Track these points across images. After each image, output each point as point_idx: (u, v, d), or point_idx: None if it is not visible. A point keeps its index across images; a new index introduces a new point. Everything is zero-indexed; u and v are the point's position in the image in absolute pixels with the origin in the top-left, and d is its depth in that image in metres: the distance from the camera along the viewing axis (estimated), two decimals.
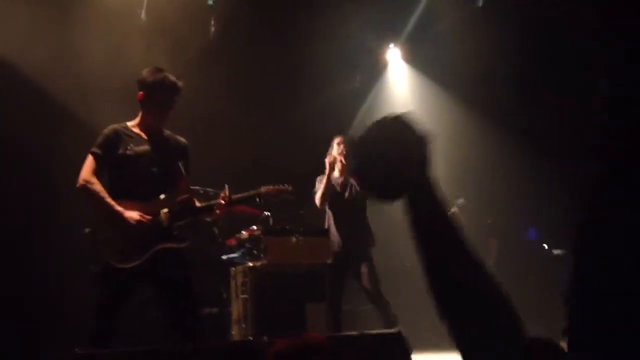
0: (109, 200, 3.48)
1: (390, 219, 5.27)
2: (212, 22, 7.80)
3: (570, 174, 7.47)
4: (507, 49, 7.36)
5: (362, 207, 5.34)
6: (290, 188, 4.17)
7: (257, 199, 4.03)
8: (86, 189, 3.50)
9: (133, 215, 3.49)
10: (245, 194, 3.98)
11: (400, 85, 8.96)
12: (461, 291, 1.02)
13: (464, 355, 1.01)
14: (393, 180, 1.03)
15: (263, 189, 4.00)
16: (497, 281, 1.02)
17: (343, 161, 5.32)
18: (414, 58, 8.71)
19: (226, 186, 3.82)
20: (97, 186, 3.50)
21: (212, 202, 3.83)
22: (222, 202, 3.74)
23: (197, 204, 3.84)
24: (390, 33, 8.57)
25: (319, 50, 7.58)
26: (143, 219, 3.50)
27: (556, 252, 7.87)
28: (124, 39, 6.47)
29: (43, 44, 5.97)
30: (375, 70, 8.98)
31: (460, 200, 7.91)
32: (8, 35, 5.95)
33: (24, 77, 6.05)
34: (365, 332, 3.55)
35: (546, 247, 8.07)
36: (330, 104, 8.01)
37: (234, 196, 3.82)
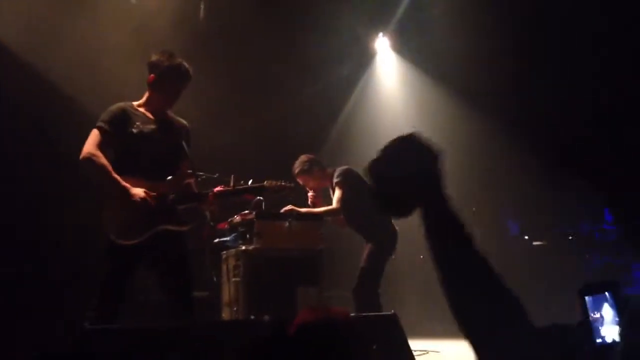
0: (115, 175, 3.49)
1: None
2: (202, 6, 7.77)
3: (556, 169, 7.67)
4: (499, 37, 7.44)
5: None
6: (292, 185, 4.25)
7: (259, 192, 4.10)
8: (91, 161, 3.49)
9: (139, 192, 3.50)
10: (249, 186, 4.04)
11: (389, 74, 9.02)
12: (473, 297, 1.08)
13: (475, 347, 1.08)
14: (408, 196, 1.09)
15: (267, 183, 4.06)
16: (507, 289, 1.07)
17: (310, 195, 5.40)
18: (403, 47, 8.77)
19: (232, 176, 3.88)
20: (102, 160, 3.50)
21: (206, 192, 3.85)
22: (224, 190, 3.80)
23: (195, 189, 3.90)
24: (379, 21, 8.61)
25: (308, 38, 7.60)
26: (149, 198, 3.51)
27: (536, 243, 8.06)
28: (113, 23, 6.41)
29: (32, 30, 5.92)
30: (364, 59, 9.02)
31: None
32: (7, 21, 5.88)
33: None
34: (363, 314, 3.62)
35: (527, 238, 8.25)
36: (318, 94, 8.03)
37: (238, 187, 3.88)
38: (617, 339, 1.10)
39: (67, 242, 5.84)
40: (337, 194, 5.19)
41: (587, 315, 1.08)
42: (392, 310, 3.60)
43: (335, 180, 5.23)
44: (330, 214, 5.26)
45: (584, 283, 1.12)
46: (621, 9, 6.57)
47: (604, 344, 1.09)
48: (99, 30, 6.37)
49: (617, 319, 1.09)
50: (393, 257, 7.49)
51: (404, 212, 1.13)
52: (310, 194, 5.39)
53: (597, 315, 1.10)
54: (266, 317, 3.17)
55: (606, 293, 1.11)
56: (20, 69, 5.97)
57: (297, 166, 5.35)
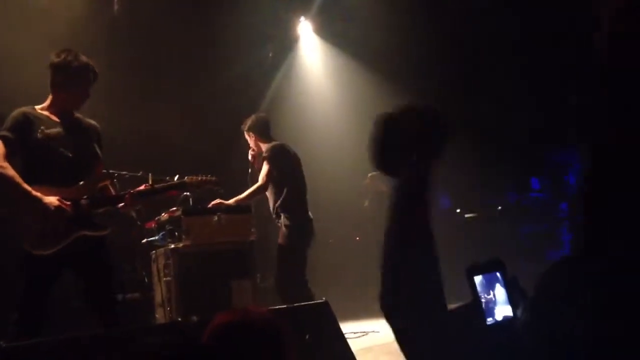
0: (25, 186, 3.35)
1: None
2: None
3: (481, 140, 7.86)
4: (419, 19, 7.52)
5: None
6: (214, 178, 4.16)
7: (180, 188, 4.01)
8: None
9: (52, 201, 3.37)
10: (169, 183, 3.94)
11: (313, 58, 8.98)
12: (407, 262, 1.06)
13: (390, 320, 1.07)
14: (400, 159, 1.10)
15: (187, 179, 3.98)
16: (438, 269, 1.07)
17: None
18: (325, 31, 8.73)
19: (149, 174, 3.77)
20: (10, 171, 3.35)
21: (123, 193, 3.75)
22: (135, 193, 3.69)
23: (113, 190, 3.79)
24: (300, 5, 8.54)
25: (228, 21, 7.47)
26: (63, 205, 3.38)
27: (468, 216, 8.26)
28: (24, 21, 6.11)
29: None
30: (287, 43, 8.95)
31: (374, 173, 8.15)
32: None
33: None
34: (295, 304, 3.60)
35: (458, 211, 8.43)
36: (240, 78, 7.93)
37: (157, 185, 3.79)
38: (510, 315, 1.09)
39: None
40: (264, 169, 5.11)
41: (477, 296, 1.07)
42: (324, 298, 3.58)
43: (264, 154, 5.14)
44: (257, 194, 5.17)
45: (470, 265, 1.11)
46: None
47: (495, 323, 1.08)
48: (6, 29, 6.05)
49: (508, 298, 1.09)
50: (331, 241, 7.49)
51: (392, 166, 1.16)
52: (250, 151, 5.33)
53: (490, 296, 1.09)
54: (194, 318, 3.09)
55: (497, 273, 1.10)
56: None
57: (247, 122, 5.31)
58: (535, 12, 6.88)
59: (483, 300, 1.07)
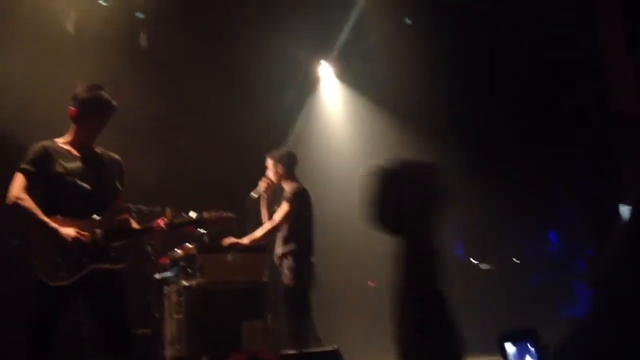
0: (43, 217, 3.38)
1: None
2: (142, 35, 7.68)
3: (500, 188, 7.82)
4: (438, 62, 7.57)
5: None
6: (233, 215, 4.14)
7: (199, 225, 3.99)
8: (17, 205, 3.38)
9: (69, 232, 3.39)
10: (187, 218, 3.92)
11: (333, 101, 9.03)
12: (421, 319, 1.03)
13: None
14: (403, 218, 1.08)
15: (206, 215, 3.95)
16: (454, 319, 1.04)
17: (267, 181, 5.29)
18: (345, 74, 8.80)
19: (167, 209, 3.76)
20: (29, 203, 3.39)
21: (151, 224, 3.75)
22: (163, 225, 3.68)
23: (134, 224, 3.78)
24: (320, 49, 8.63)
25: (248, 62, 7.57)
26: (80, 236, 3.39)
27: (484, 266, 8.16)
28: (53, 53, 6.24)
29: None
30: (307, 86, 9.01)
31: None
32: None
33: None
34: (305, 350, 3.55)
35: (474, 261, 8.33)
36: (261, 119, 7.98)
37: (175, 220, 3.77)
38: None
39: None
40: (284, 209, 5.03)
41: None
42: (335, 345, 3.53)
43: (287, 195, 5.10)
44: (272, 232, 5.09)
45: (504, 331, 1.09)
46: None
47: None
48: (34, 62, 6.18)
49: None
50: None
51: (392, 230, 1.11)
52: (265, 179, 5.25)
53: None
54: (204, 358, 3.05)
55: (529, 342, 1.07)
56: None
57: (280, 153, 5.29)
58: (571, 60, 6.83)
59: None
